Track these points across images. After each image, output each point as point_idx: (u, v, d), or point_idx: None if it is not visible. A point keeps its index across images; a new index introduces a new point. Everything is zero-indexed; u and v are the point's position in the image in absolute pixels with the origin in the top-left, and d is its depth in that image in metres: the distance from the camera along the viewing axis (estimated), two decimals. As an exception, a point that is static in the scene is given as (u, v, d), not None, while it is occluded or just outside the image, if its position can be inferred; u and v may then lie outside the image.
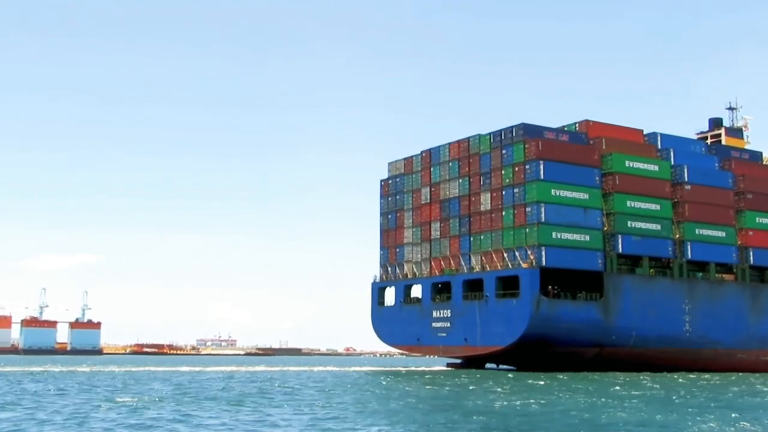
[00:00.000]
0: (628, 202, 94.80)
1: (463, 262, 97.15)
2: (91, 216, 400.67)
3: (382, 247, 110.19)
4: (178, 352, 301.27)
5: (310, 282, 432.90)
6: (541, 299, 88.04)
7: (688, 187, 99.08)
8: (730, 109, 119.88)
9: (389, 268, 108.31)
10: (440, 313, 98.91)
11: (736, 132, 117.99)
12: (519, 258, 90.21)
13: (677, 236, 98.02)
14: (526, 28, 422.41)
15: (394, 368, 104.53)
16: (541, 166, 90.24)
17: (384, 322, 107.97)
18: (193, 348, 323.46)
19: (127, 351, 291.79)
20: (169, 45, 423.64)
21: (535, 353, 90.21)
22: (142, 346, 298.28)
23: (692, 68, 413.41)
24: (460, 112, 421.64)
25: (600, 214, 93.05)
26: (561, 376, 75.76)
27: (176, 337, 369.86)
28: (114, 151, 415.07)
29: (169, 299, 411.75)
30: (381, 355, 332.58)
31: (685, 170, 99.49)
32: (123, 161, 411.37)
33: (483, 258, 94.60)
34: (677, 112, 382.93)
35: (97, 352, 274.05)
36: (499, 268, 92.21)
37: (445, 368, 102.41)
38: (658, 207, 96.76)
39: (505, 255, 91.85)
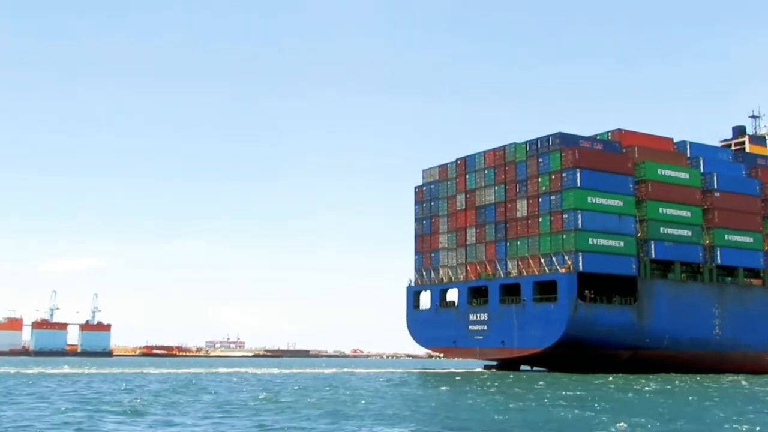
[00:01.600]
0: (661, 209, 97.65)
1: (499, 267, 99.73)
2: (101, 221, 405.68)
3: (416, 252, 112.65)
4: (187, 353, 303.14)
5: (318, 285, 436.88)
6: (578, 303, 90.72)
7: (717, 194, 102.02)
8: (753, 117, 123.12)
9: (424, 273, 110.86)
10: (477, 317, 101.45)
11: (760, 140, 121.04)
12: (556, 263, 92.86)
13: (707, 242, 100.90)
14: (537, 31, 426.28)
15: (450, 370, 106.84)
16: (578, 174, 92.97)
17: (420, 325, 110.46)
18: (199, 350, 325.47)
19: (137, 353, 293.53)
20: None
21: (571, 355, 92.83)
22: (152, 348, 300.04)
23: (715, 76, 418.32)
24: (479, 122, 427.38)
25: (634, 221, 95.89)
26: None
27: (185, 339, 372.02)
28: (125, 160, 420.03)
29: (178, 302, 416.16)
30: (388, 357, 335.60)
31: (715, 178, 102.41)
32: (133, 172, 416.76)
33: (519, 263, 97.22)
34: (700, 119, 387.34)
35: (107, 353, 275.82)
36: (536, 273, 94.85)
37: (482, 370, 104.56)
38: (688, 214, 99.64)
39: (542, 260, 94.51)
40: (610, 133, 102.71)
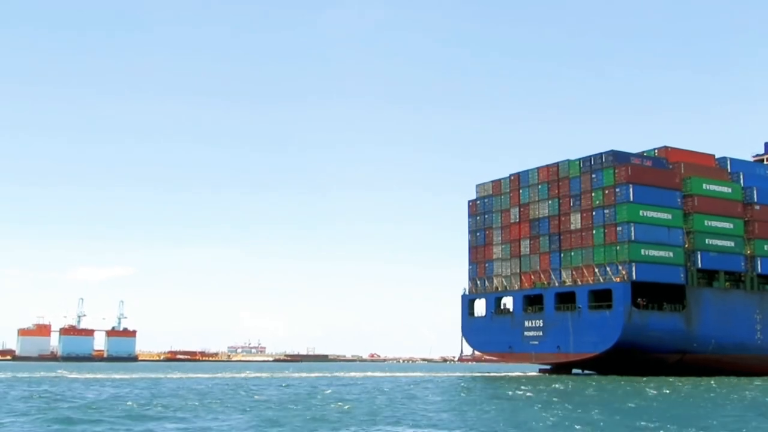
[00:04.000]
0: (706, 222, 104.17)
1: (553, 276, 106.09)
2: (127, 230, 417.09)
3: (470, 262, 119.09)
4: (210, 358, 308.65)
5: (334, 291, 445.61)
6: (632, 310, 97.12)
7: (757, 207, 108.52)
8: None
9: (478, 282, 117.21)
10: (532, 323, 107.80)
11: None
12: (610, 273, 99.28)
13: (748, 252, 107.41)
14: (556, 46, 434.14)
15: (516, 374, 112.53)
16: (631, 190, 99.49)
17: (475, 331, 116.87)
18: (214, 354, 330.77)
19: (161, 358, 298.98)
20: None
21: (624, 359, 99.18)
22: (176, 353, 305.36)
23: (744, 91, 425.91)
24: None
25: (681, 233, 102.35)
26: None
27: (207, 344, 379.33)
28: (150, 171, 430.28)
29: (201, 308, 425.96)
30: (404, 361, 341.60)
31: (755, 192, 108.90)
32: (158, 183, 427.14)
33: (573, 272, 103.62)
34: (729, 134, 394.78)
35: (133, 359, 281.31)
36: (591, 282, 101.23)
37: (537, 374, 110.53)
38: (731, 226, 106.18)
39: (596, 270, 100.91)
40: (656, 150, 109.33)
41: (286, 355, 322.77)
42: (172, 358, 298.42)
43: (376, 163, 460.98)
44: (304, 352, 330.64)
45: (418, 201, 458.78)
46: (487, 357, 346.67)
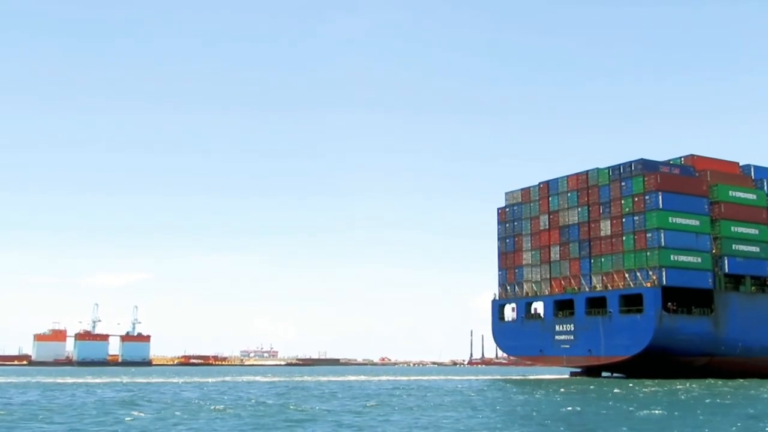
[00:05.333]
0: (732, 228, 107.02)
1: (583, 282, 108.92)
2: (142, 237, 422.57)
3: (500, 268, 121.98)
4: (223, 363, 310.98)
5: (344, 295, 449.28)
6: (663, 314, 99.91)
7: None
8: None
9: (508, 287, 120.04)
10: (563, 327, 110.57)
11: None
12: (640, 278, 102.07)
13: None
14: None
15: (546, 377, 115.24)
16: (660, 197, 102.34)
17: (505, 335, 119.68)
18: (224, 359, 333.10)
19: (175, 362, 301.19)
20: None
21: (654, 362, 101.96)
22: (189, 357, 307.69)
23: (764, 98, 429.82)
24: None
25: (709, 239, 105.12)
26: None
27: (221, 348, 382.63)
28: (164, 178, 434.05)
29: (213, 313, 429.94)
30: (414, 364, 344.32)
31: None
32: (172, 190, 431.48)
33: (604, 278, 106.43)
34: (746, 140, 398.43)
35: (147, 363, 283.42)
36: (621, 287, 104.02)
37: (568, 377, 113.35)
38: (756, 231, 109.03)
39: (626, 275, 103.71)
40: (683, 158, 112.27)
41: (298, 359, 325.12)
42: (186, 362, 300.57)
43: (386, 169, 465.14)
44: (315, 356, 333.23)
45: (422, 206, 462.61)
46: (496, 361, 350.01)
